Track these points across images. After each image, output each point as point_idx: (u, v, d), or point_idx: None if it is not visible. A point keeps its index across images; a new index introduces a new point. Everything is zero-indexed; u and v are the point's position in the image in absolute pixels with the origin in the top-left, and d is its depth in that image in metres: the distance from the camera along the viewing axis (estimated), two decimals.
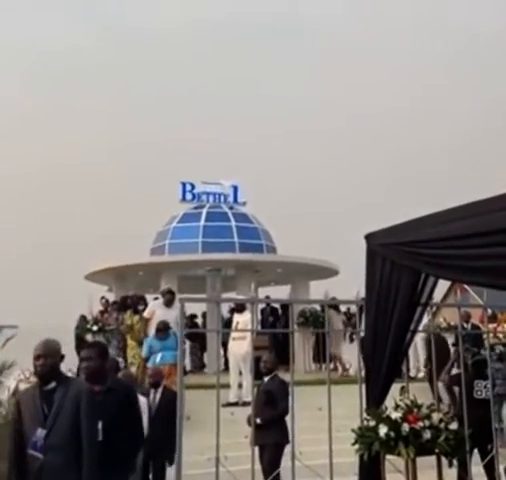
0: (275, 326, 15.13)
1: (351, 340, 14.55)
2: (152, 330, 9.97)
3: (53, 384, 3.77)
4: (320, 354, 13.81)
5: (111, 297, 14.82)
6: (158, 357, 8.77)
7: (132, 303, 11.75)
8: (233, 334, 10.10)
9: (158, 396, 6.45)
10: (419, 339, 10.71)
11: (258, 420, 5.68)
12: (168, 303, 10.36)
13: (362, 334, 5.04)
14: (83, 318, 12.79)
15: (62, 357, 3.94)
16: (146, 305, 11.55)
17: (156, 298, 12.23)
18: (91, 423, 3.76)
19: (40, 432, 3.66)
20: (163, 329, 9.18)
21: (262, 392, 6.16)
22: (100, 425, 3.89)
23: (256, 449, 5.55)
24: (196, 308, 15.96)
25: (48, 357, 3.79)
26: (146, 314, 10.68)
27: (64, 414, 3.68)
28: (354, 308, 8.58)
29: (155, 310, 10.51)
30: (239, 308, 10.28)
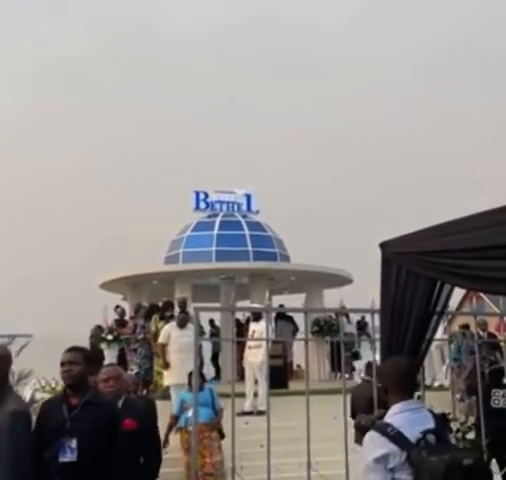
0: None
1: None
2: (170, 357, 9.70)
3: None
4: (335, 362, 13.77)
5: (126, 306, 14.89)
6: (189, 414, 7.11)
7: (160, 309, 11.54)
8: (249, 343, 10.09)
9: None
10: (434, 348, 10.64)
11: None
12: (182, 323, 9.79)
13: (377, 343, 5.03)
14: (98, 327, 12.86)
15: None
16: (173, 310, 11.29)
17: (156, 306, 12.13)
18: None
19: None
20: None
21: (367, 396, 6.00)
22: (74, 444, 3.56)
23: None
24: (207, 317, 15.91)
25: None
26: (161, 339, 10.01)
27: None
28: (368, 317, 8.52)
29: (170, 333, 9.89)
30: (255, 317, 10.26)
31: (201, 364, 9.18)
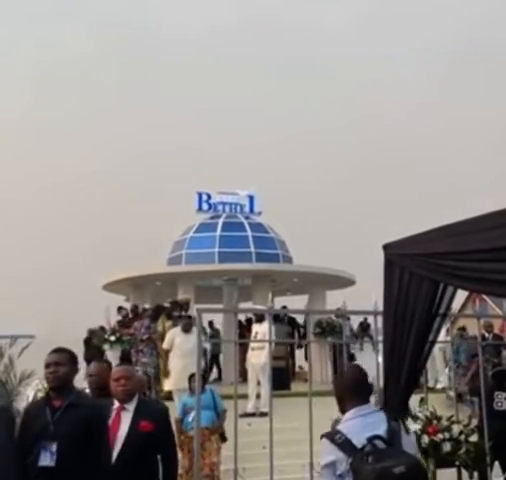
0: (293, 336, 15.10)
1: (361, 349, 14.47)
2: (173, 363, 9.65)
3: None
4: (337, 365, 13.74)
5: (128, 307, 14.89)
6: (190, 418, 7.04)
7: (168, 309, 11.45)
8: (252, 344, 10.10)
9: None
10: (437, 350, 10.63)
11: None
12: (186, 328, 9.67)
13: (380, 344, 5.02)
14: (101, 328, 12.87)
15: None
16: (181, 310, 11.23)
17: (162, 306, 12.07)
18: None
19: None
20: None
21: None
22: (54, 448, 3.42)
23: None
24: (209, 318, 15.90)
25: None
26: (165, 345, 9.95)
27: None
28: (371, 318, 8.52)
29: (174, 338, 9.81)
30: (258, 318, 10.26)
31: (207, 367, 8.92)
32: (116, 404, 4.04)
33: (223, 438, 7.11)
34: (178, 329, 9.91)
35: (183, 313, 11.13)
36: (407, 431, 3.10)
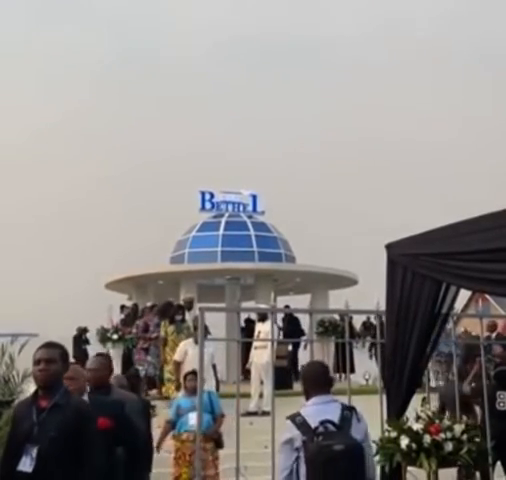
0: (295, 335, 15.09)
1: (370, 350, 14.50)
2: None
3: None
4: (339, 364, 13.75)
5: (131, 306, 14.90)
6: (188, 420, 6.28)
7: (172, 310, 11.13)
8: (255, 343, 10.09)
9: None
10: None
11: None
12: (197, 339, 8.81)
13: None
14: (103, 328, 12.90)
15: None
16: (184, 314, 10.85)
17: (171, 303, 11.86)
18: None
19: None
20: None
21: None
22: (35, 452, 3.18)
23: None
24: (212, 317, 15.91)
25: None
26: (177, 357, 9.21)
27: None
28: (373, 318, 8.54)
29: (186, 350, 9.04)
30: (261, 317, 10.24)
31: (218, 385, 8.01)
32: None
33: (218, 444, 6.40)
34: (190, 341, 9.20)
35: (187, 313, 10.92)
36: (359, 420, 3.53)
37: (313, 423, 3.39)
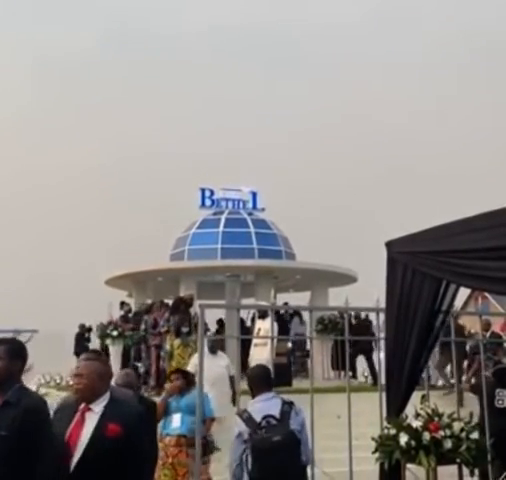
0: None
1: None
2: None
3: None
4: (338, 361, 13.76)
5: (131, 302, 14.90)
6: (172, 422, 5.95)
7: (183, 306, 10.86)
8: (255, 340, 10.08)
9: None
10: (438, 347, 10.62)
11: None
12: (213, 350, 8.08)
13: (382, 342, 5.03)
14: (102, 324, 12.90)
15: None
16: (190, 325, 10.40)
17: (182, 298, 11.68)
18: None
19: None
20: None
21: None
22: None
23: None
24: (212, 314, 15.92)
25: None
26: (190, 368, 7.99)
27: None
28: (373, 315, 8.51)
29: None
30: (262, 314, 10.24)
31: (235, 396, 7.66)
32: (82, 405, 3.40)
33: (205, 449, 5.75)
34: (205, 351, 8.06)
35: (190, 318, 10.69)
36: (297, 413, 4.01)
37: (258, 418, 3.90)
